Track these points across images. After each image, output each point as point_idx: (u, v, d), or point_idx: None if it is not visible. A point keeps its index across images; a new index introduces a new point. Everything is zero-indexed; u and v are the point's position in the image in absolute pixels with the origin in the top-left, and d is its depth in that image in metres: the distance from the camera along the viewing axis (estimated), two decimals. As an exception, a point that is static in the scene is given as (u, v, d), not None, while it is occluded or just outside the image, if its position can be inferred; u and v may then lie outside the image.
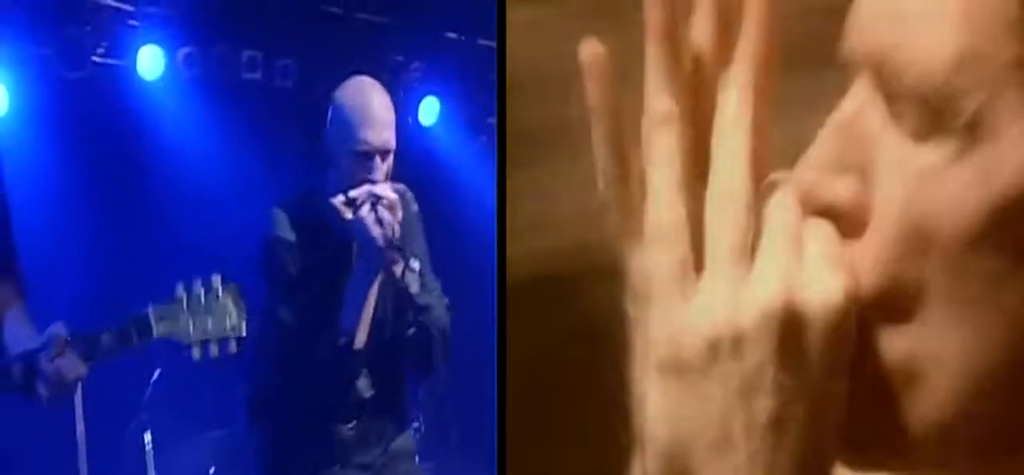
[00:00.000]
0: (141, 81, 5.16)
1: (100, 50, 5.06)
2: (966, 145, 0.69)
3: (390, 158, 2.98)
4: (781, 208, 0.75)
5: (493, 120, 5.67)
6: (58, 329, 2.46)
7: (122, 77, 5.17)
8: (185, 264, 2.83)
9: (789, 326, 0.72)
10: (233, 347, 2.58)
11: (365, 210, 2.90)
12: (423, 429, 4.40)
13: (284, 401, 3.14)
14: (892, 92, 0.72)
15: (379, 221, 2.89)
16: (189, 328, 2.55)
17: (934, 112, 0.70)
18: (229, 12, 5.28)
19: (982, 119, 0.69)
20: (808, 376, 0.73)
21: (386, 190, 2.93)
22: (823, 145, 0.77)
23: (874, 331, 0.74)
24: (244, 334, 2.59)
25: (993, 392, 0.72)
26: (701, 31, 0.78)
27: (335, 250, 3.01)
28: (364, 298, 2.96)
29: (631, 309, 0.79)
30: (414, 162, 5.41)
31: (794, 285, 0.73)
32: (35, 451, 4.15)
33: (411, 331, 3.00)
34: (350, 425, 3.05)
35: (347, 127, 2.97)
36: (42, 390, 2.44)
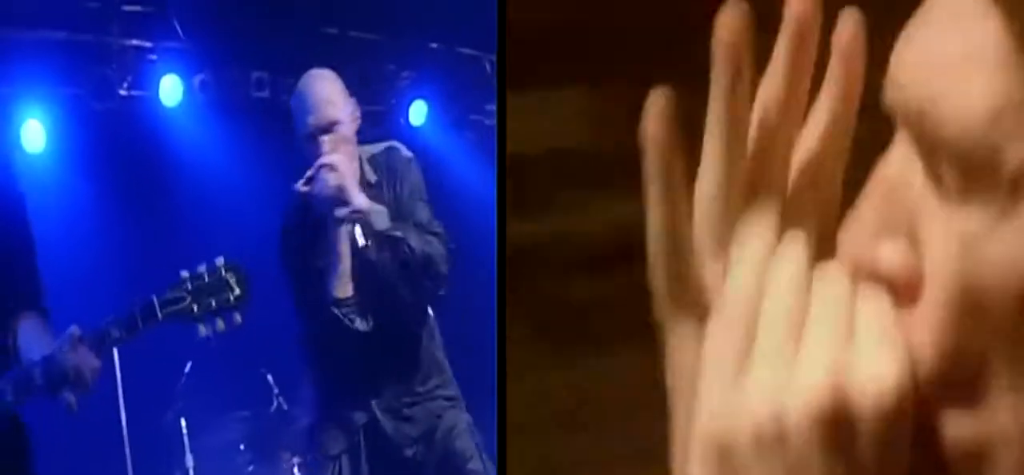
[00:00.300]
0: (163, 108, 5.48)
1: (125, 84, 5.38)
2: (1012, 202, 0.62)
3: (339, 129, 3.23)
4: (830, 284, 0.69)
5: (475, 116, 6.02)
6: (73, 331, 2.47)
7: (146, 106, 5.48)
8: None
9: (837, 415, 0.65)
10: (237, 319, 2.59)
11: (315, 180, 3.17)
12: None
13: (304, 368, 3.46)
14: (932, 149, 0.65)
15: (325, 184, 3.15)
16: (192, 307, 2.55)
17: (976, 169, 0.62)
18: (238, 40, 5.54)
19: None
20: (861, 466, 0.65)
21: (331, 157, 3.17)
22: (869, 204, 0.70)
23: (936, 410, 0.66)
24: (246, 300, 2.58)
25: None
26: (771, 93, 0.71)
27: (313, 225, 3.24)
28: (337, 252, 3.21)
29: (670, 379, 0.74)
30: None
31: (843, 371, 0.65)
32: (81, 441, 4.17)
33: (390, 266, 3.20)
34: (366, 366, 3.28)
35: (298, 117, 3.28)
36: (63, 389, 2.44)
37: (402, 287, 3.23)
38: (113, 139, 5.35)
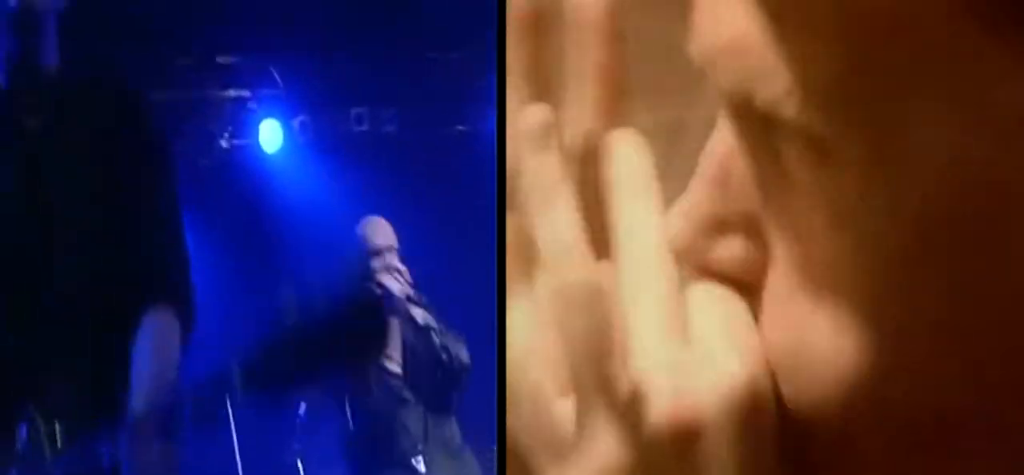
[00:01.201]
0: (264, 154, 5.54)
1: (226, 135, 5.47)
2: (866, 170, 0.52)
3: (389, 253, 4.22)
4: (655, 282, 0.60)
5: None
6: (141, 405, 1.91)
7: (247, 154, 5.56)
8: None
9: (682, 431, 0.57)
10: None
11: (379, 281, 4.12)
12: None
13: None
14: (767, 125, 0.54)
15: (385, 284, 4.10)
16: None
17: (823, 137, 0.52)
18: (335, 77, 5.57)
19: (878, 134, 0.51)
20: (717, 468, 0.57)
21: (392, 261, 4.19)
22: (697, 199, 0.62)
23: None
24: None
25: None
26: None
27: (376, 314, 4.12)
28: (390, 338, 4.05)
29: None
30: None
31: (681, 379, 0.57)
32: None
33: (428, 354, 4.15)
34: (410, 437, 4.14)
35: (362, 245, 4.25)
36: None
37: (437, 375, 4.16)
38: (219, 191, 5.39)
